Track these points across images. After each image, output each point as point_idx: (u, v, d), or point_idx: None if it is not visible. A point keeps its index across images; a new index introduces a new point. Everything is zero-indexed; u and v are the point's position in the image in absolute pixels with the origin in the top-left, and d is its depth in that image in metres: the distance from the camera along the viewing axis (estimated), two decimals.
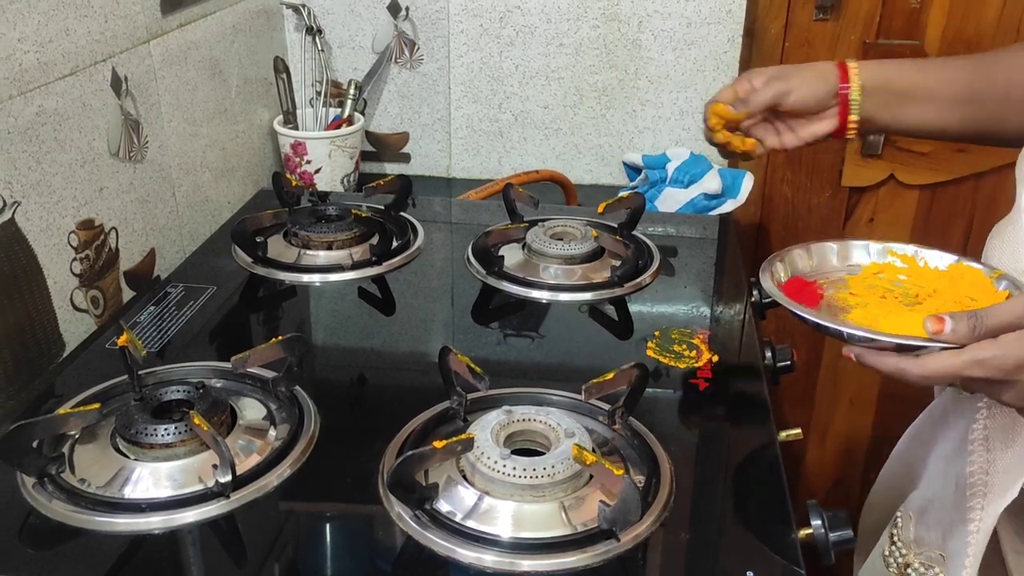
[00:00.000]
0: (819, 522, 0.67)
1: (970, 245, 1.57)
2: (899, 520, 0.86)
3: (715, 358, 0.87)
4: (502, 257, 1.02)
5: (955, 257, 0.76)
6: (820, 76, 0.85)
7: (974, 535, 0.74)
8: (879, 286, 0.76)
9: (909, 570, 0.83)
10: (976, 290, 0.72)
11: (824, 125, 0.86)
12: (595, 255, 1.03)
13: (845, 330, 0.66)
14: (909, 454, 0.90)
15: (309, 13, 1.41)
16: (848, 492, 1.79)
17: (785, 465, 0.74)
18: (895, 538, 0.86)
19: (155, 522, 0.65)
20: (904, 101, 0.85)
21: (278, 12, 1.42)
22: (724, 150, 0.88)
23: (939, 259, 0.77)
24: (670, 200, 1.32)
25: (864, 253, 0.80)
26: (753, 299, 0.99)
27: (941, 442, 0.83)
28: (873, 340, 0.65)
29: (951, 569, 0.78)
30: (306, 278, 1.02)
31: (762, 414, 0.80)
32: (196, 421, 0.67)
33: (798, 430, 0.86)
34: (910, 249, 0.78)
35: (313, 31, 1.41)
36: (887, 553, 0.86)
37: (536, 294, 0.98)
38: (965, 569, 0.75)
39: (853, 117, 0.84)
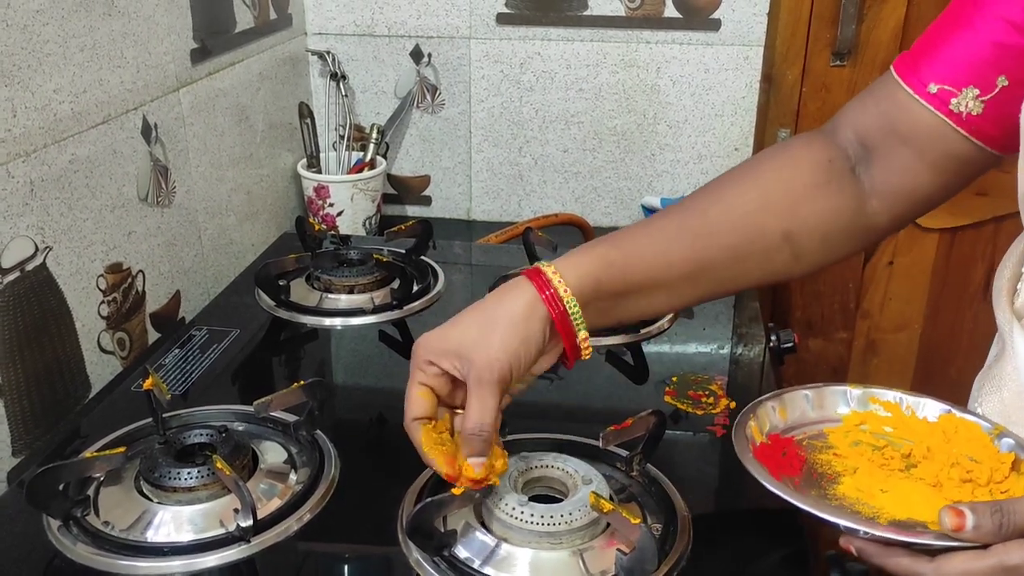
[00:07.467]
0: (838, 575, 0.67)
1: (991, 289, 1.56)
2: None
3: (733, 404, 0.87)
4: None
5: (945, 407, 0.70)
6: (521, 335, 0.64)
7: None
8: (864, 442, 0.70)
9: None
10: (975, 449, 0.66)
11: (544, 361, 0.69)
12: None
13: (851, 526, 0.59)
14: None
15: (334, 59, 1.44)
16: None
17: None
18: None
19: (176, 566, 0.66)
20: (622, 300, 0.70)
21: (303, 59, 1.45)
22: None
23: (927, 407, 0.71)
24: None
25: (843, 400, 0.74)
26: None
27: None
28: (882, 537, 0.57)
29: None
30: (328, 322, 1.03)
31: None
32: (218, 465, 0.68)
33: None
34: (893, 396, 0.72)
35: (337, 77, 1.44)
36: None
37: None
38: None
39: (583, 335, 0.67)
